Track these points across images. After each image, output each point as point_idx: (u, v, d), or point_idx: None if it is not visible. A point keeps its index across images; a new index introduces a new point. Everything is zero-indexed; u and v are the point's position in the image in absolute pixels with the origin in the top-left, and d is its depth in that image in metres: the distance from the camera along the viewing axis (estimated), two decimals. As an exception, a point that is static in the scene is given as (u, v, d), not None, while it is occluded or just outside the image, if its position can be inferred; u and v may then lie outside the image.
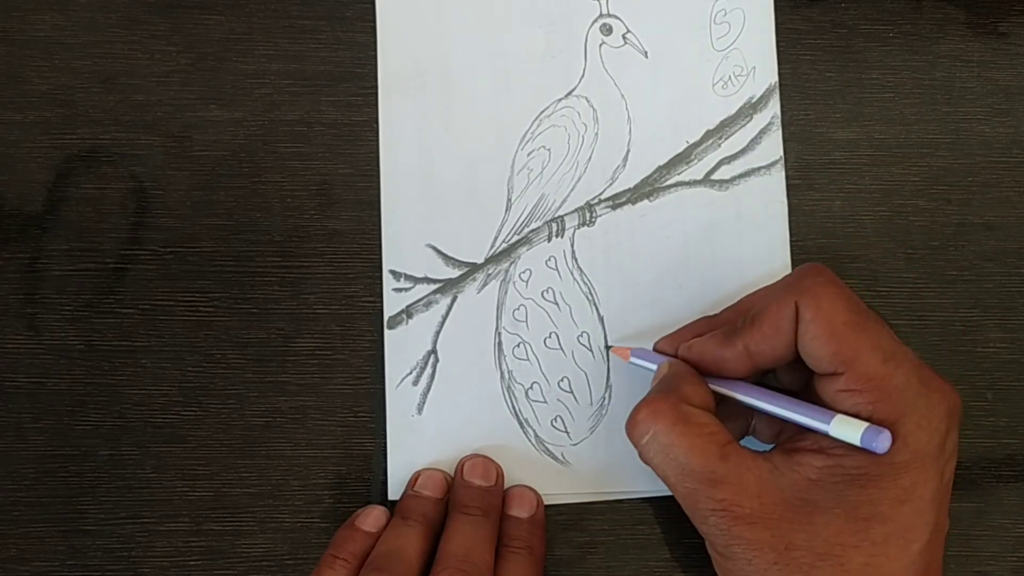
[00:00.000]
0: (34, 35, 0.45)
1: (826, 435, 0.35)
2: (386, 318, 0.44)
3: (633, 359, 0.42)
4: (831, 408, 0.36)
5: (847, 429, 0.34)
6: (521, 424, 0.44)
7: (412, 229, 0.44)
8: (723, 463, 0.35)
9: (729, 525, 0.35)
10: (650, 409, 0.36)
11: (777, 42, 0.46)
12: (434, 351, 0.44)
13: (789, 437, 0.38)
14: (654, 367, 0.41)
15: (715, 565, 0.38)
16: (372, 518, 0.42)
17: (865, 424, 0.34)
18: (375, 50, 0.45)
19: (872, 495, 0.34)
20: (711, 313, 0.42)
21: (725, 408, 0.39)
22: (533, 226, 0.45)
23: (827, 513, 0.35)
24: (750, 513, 0.35)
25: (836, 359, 0.35)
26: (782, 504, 0.35)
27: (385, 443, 0.43)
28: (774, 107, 0.45)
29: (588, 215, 0.45)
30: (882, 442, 0.34)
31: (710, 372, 0.39)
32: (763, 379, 0.40)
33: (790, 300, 0.36)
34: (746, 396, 0.38)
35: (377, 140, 0.45)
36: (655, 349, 0.42)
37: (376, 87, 0.45)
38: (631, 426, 0.37)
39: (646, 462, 0.37)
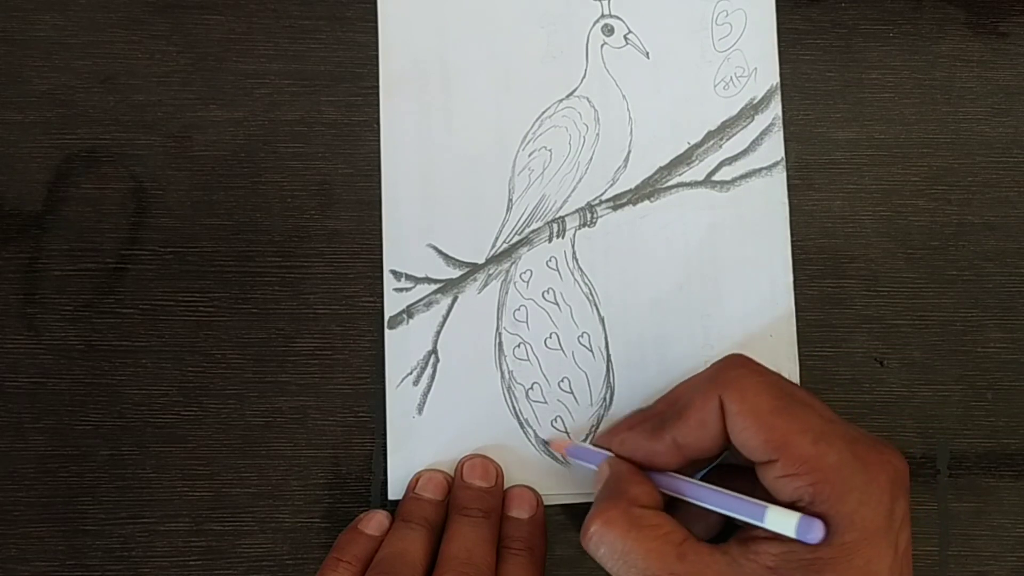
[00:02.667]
0: (34, 35, 0.45)
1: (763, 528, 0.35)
2: (387, 318, 0.44)
3: (570, 458, 0.42)
4: (774, 495, 0.35)
5: (781, 521, 0.34)
6: (521, 424, 0.44)
7: (413, 229, 0.44)
8: (682, 563, 0.35)
9: None
10: (602, 520, 0.36)
11: (777, 42, 0.46)
12: (434, 351, 0.44)
13: (742, 529, 0.37)
14: (592, 465, 0.40)
15: None
16: (375, 522, 0.42)
17: (798, 516, 0.34)
18: (375, 50, 0.45)
19: None
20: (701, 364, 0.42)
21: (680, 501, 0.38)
22: (534, 226, 0.45)
23: None
24: None
25: (768, 447, 0.35)
26: None
27: (385, 443, 0.43)
28: (775, 108, 0.45)
29: (589, 216, 0.45)
30: (815, 532, 0.33)
31: (644, 466, 0.39)
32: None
33: (714, 394, 0.36)
34: (685, 492, 0.37)
35: (377, 140, 0.45)
36: (594, 443, 0.42)
37: (377, 87, 0.45)
38: (586, 539, 0.37)
39: (607, 569, 0.37)
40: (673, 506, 0.38)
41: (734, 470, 0.39)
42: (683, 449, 0.37)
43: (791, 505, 0.35)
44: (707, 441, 0.37)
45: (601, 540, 0.36)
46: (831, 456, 0.34)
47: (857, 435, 0.36)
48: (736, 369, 0.37)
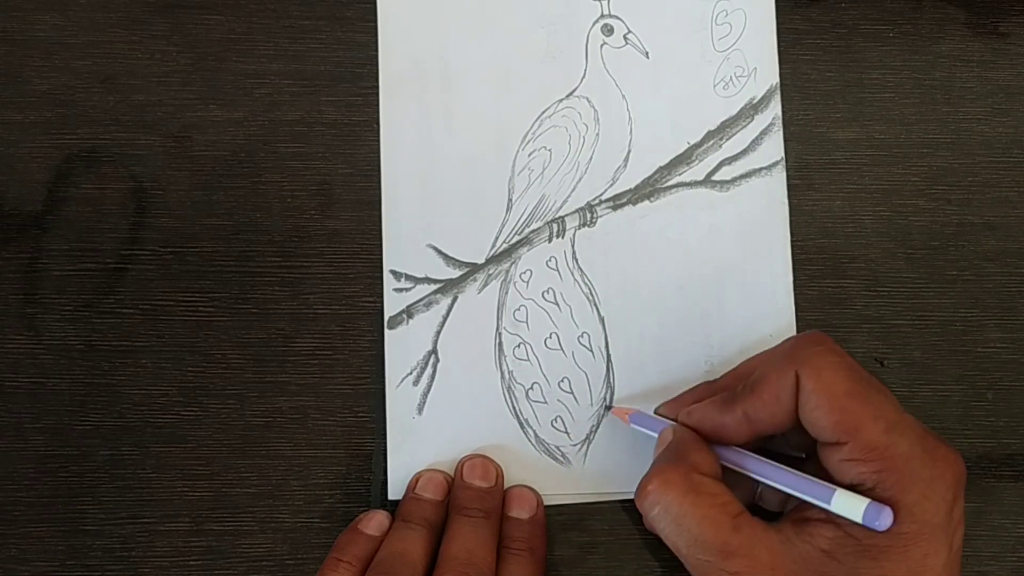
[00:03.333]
0: (34, 35, 0.45)
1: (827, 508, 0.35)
2: (387, 318, 0.44)
3: (633, 424, 0.42)
4: (835, 477, 0.35)
5: (849, 506, 0.34)
6: (521, 424, 0.44)
7: (413, 229, 0.44)
8: (736, 535, 0.35)
9: None
10: (661, 479, 0.36)
11: (777, 42, 0.46)
12: (434, 351, 0.44)
13: (798, 506, 0.37)
14: (654, 434, 0.40)
15: None
16: (375, 522, 0.42)
17: (867, 501, 0.34)
18: (375, 50, 0.45)
19: (885, 568, 0.34)
20: (713, 373, 0.42)
21: (731, 473, 0.38)
22: (534, 226, 0.45)
23: None
24: None
25: (838, 429, 0.35)
26: None
27: (385, 443, 0.43)
28: (775, 108, 0.45)
29: (589, 216, 0.45)
30: (884, 519, 0.33)
31: (710, 438, 0.38)
32: (771, 442, 0.40)
33: (790, 370, 0.36)
34: (749, 467, 0.37)
35: (377, 140, 0.45)
36: (656, 413, 0.42)
37: (377, 87, 0.45)
38: (641, 496, 0.37)
39: (656, 531, 0.37)
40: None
41: (780, 458, 0.39)
42: (753, 423, 0.37)
43: (851, 488, 0.35)
44: (779, 416, 0.36)
45: (657, 500, 0.36)
46: (902, 446, 0.34)
47: (925, 430, 0.36)
48: (814, 347, 0.36)
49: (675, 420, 0.40)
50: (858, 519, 0.34)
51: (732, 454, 0.38)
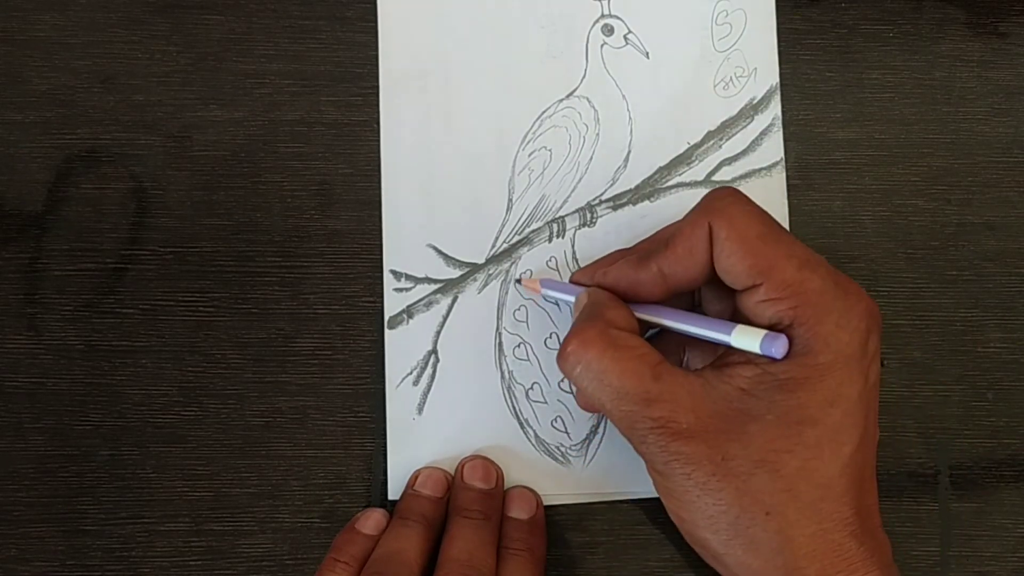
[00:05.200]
0: (34, 35, 0.45)
1: (728, 346, 0.36)
2: (387, 318, 0.44)
3: (545, 290, 0.42)
4: (753, 322, 0.36)
5: (748, 338, 0.35)
6: (521, 424, 0.44)
7: (413, 229, 0.44)
8: (656, 383, 0.36)
9: (667, 442, 0.35)
10: (579, 339, 0.37)
11: (777, 42, 0.46)
12: (435, 351, 0.44)
13: (719, 356, 0.38)
14: (570, 298, 0.41)
15: (656, 487, 0.38)
16: (372, 521, 0.42)
17: (763, 332, 0.35)
18: (375, 50, 0.45)
19: (801, 399, 0.35)
20: None
21: (657, 344, 0.39)
22: (534, 226, 0.45)
23: (760, 421, 0.35)
24: (687, 428, 0.35)
25: (753, 271, 0.36)
26: (716, 416, 0.35)
27: (385, 443, 0.43)
28: (775, 108, 0.45)
29: (589, 216, 0.45)
30: (779, 346, 0.35)
31: (626, 297, 0.39)
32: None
33: (703, 221, 0.37)
34: (662, 317, 0.38)
35: (377, 140, 0.45)
36: (571, 282, 0.42)
37: (377, 86, 0.45)
38: (562, 358, 0.37)
39: (580, 390, 0.38)
40: None
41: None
42: (668, 279, 0.38)
43: (771, 328, 0.35)
44: (693, 269, 0.37)
45: (578, 360, 0.36)
46: (814, 281, 0.35)
47: (835, 270, 0.36)
48: (725, 198, 0.37)
49: (590, 286, 0.40)
50: (756, 349, 0.35)
51: (642, 308, 0.39)
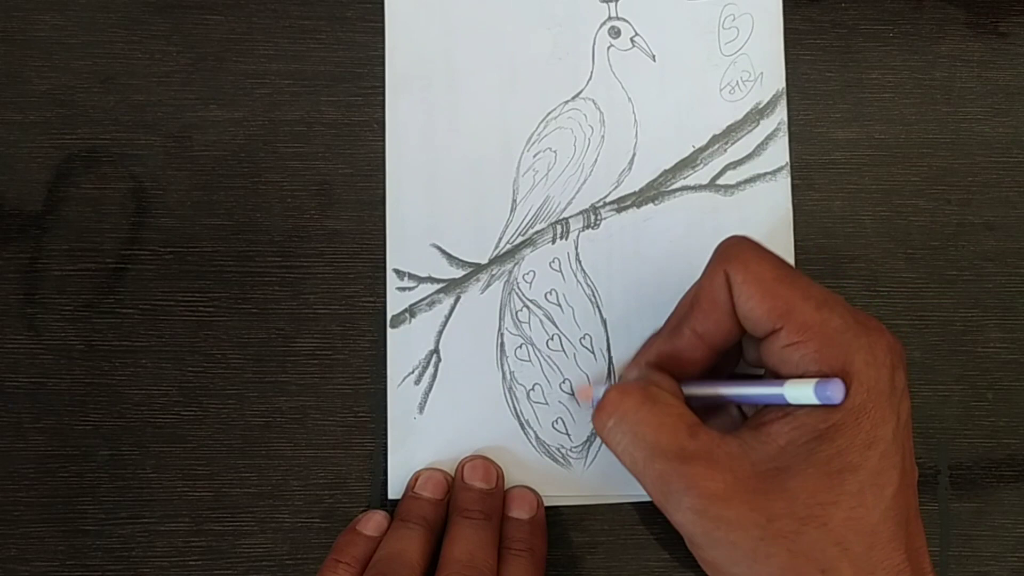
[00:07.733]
0: (34, 35, 0.45)
1: (784, 403, 0.35)
2: (389, 317, 0.44)
3: (596, 394, 0.41)
4: (781, 371, 0.35)
5: (800, 390, 0.34)
6: (522, 425, 0.44)
7: (417, 228, 0.44)
8: (692, 440, 0.35)
9: (705, 505, 0.34)
10: (619, 390, 0.37)
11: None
12: (436, 351, 0.44)
13: (755, 414, 0.37)
14: None
15: (701, 564, 0.37)
16: (373, 522, 0.42)
17: (814, 380, 0.34)
18: (376, 50, 0.45)
19: (841, 445, 0.34)
20: None
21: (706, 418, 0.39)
22: (538, 228, 0.45)
23: (800, 475, 0.34)
24: (724, 489, 0.34)
25: (773, 314, 0.35)
26: (755, 476, 0.34)
27: (385, 443, 0.43)
28: (781, 113, 0.45)
29: (593, 218, 0.45)
30: (835, 390, 0.33)
31: (673, 372, 0.39)
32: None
33: (719, 270, 0.36)
34: (708, 389, 0.38)
35: (378, 140, 0.45)
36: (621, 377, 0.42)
37: (377, 87, 0.45)
38: (598, 410, 0.37)
39: (613, 449, 0.37)
40: None
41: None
42: (704, 337, 0.37)
43: (800, 378, 0.35)
44: (724, 321, 0.37)
45: (615, 409, 0.36)
46: (835, 320, 0.35)
47: (852, 306, 0.36)
48: (738, 245, 0.37)
49: None
50: (812, 399, 0.34)
51: (687, 384, 0.38)
